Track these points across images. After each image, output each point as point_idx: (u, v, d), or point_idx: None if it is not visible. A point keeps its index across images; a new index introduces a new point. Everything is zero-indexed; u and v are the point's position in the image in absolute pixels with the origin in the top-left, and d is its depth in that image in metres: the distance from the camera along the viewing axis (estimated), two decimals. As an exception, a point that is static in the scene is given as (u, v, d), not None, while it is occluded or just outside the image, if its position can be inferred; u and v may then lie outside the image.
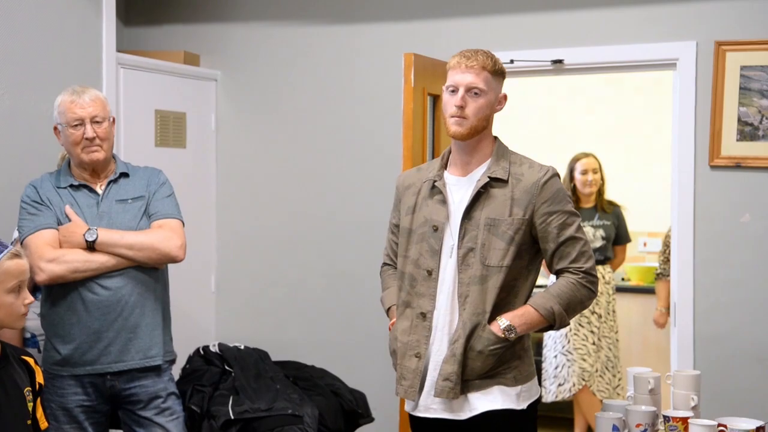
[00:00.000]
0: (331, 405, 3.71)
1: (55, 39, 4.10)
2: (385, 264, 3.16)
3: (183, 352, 3.80)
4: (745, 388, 4.12)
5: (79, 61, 4.22)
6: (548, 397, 5.43)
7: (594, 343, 5.39)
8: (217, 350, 3.82)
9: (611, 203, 5.64)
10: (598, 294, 5.34)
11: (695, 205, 4.25)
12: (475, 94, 2.81)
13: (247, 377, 3.65)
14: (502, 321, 2.80)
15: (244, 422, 3.45)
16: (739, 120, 4.13)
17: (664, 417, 2.98)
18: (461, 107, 2.80)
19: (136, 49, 4.95)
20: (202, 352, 3.84)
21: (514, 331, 2.79)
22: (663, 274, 5.38)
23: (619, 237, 5.62)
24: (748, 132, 4.13)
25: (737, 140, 4.14)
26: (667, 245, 5.37)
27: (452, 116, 2.82)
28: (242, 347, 3.88)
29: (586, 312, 5.34)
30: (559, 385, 5.40)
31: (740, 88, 4.12)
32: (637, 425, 3.01)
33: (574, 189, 5.49)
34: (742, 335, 4.18)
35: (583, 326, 5.35)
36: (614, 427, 3.00)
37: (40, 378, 2.70)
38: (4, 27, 3.85)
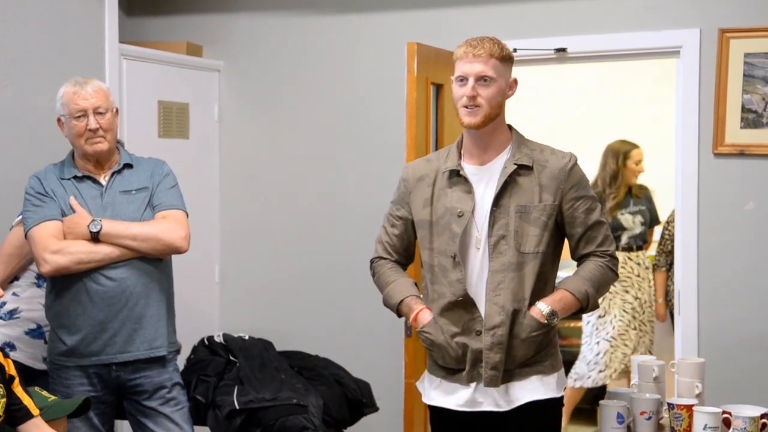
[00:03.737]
0: (336, 394, 3.71)
1: (58, 30, 4.10)
2: (380, 258, 3.09)
3: (187, 342, 3.81)
4: (749, 376, 4.12)
5: (81, 52, 4.21)
6: (586, 383, 5.48)
7: (636, 328, 5.44)
8: (222, 340, 3.81)
9: (641, 187, 5.66)
10: (641, 280, 5.43)
11: (699, 193, 4.24)
12: (485, 82, 2.80)
13: (251, 367, 3.65)
14: (543, 307, 2.80)
15: (248, 412, 3.45)
16: (742, 107, 4.12)
17: (669, 405, 2.99)
18: (473, 97, 2.79)
19: (139, 40, 4.95)
20: (206, 342, 3.84)
21: (556, 316, 2.81)
22: (657, 266, 5.41)
23: (651, 220, 5.64)
24: (751, 119, 4.12)
25: (741, 128, 4.14)
26: (663, 237, 5.40)
27: (464, 107, 2.81)
28: (246, 337, 3.88)
29: (629, 298, 5.44)
30: (600, 371, 5.44)
31: (744, 76, 4.11)
32: (642, 413, 3.02)
33: (617, 176, 5.51)
34: (747, 323, 4.18)
35: (627, 312, 5.44)
36: (619, 415, 3.01)
37: (11, 370, 2.67)
38: (6, 19, 3.85)
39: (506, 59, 2.85)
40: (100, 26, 4.29)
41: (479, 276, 2.83)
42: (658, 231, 5.70)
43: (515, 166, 2.82)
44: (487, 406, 2.83)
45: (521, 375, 2.82)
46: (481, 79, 2.80)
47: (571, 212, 2.85)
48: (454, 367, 2.87)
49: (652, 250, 5.74)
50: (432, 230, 2.90)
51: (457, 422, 2.90)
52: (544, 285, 2.85)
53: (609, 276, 2.90)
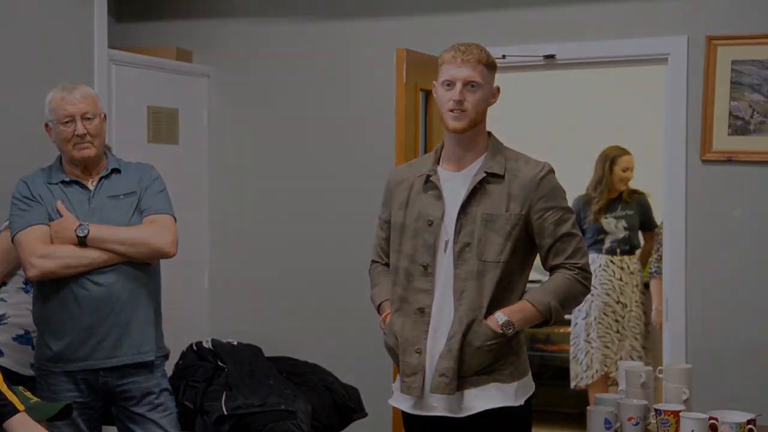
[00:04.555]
0: (324, 400, 3.70)
1: (47, 36, 4.09)
2: (373, 261, 3.12)
3: (176, 348, 3.79)
4: (736, 382, 4.13)
5: (70, 57, 4.21)
6: (581, 383, 5.53)
7: (618, 332, 5.45)
8: (210, 346, 3.80)
9: (634, 191, 5.68)
10: (623, 284, 5.45)
11: (687, 199, 4.26)
12: (472, 87, 2.80)
13: (240, 373, 3.64)
14: (500, 316, 2.79)
15: (237, 418, 3.44)
16: (730, 114, 4.14)
17: (656, 410, 2.99)
18: (460, 101, 2.79)
19: (129, 45, 4.94)
20: (195, 348, 3.83)
21: (512, 327, 2.79)
22: (657, 273, 5.43)
23: (644, 223, 5.65)
24: (739, 126, 4.14)
25: (729, 134, 4.15)
26: (659, 243, 5.41)
27: (450, 110, 2.81)
28: (235, 343, 3.87)
29: (610, 301, 5.46)
30: (584, 371, 5.48)
31: (731, 83, 4.13)
32: (629, 418, 3.02)
33: (602, 180, 5.55)
34: (734, 329, 4.19)
35: (607, 315, 5.45)
36: (606, 421, 3.02)
37: None
38: (-5, 24, 3.85)
39: (492, 66, 2.87)
40: (89, 31, 4.29)
41: (446, 282, 2.83)
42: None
43: (485, 174, 2.83)
44: (441, 411, 2.83)
45: (477, 383, 2.81)
46: (469, 84, 2.80)
47: (540, 222, 2.83)
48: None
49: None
50: (402, 233, 2.91)
51: (420, 425, 2.91)
52: (509, 294, 2.83)
53: (577, 289, 2.86)
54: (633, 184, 5.72)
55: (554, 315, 2.84)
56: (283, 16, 4.96)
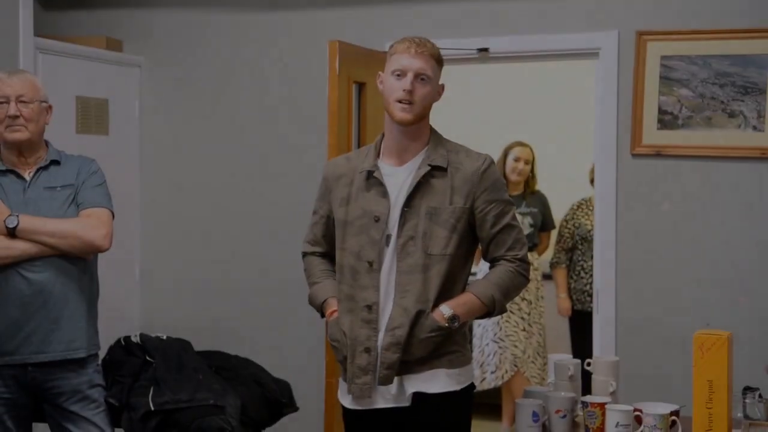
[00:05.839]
0: (255, 395, 3.66)
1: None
2: (307, 254, 3.09)
3: (107, 342, 3.74)
4: (665, 374, 4.18)
5: (-6, 45, 4.12)
6: (482, 386, 5.47)
7: (524, 330, 5.46)
8: (138, 340, 3.74)
9: (534, 192, 5.71)
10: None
11: (617, 192, 4.31)
12: (422, 80, 2.80)
13: (168, 368, 3.58)
14: (446, 310, 2.80)
15: (164, 413, 3.39)
16: (659, 109, 4.19)
17: (583, 403, 3.02)
18: (410, 92, 2.78)
19: (57, 34, 4.85)
20: (122, 342, 3.77)
21: (457, 320, 2.80)
22: (558, 263, 5.49)
23: (544, 224, 5.71)
24: (668, 121, 4.20)
25: (658, 129, 4.21)
26: (562, 235, 5.48)
27: (399, 101, 2.80)
28: (164, 337, 3.82)
29: (516, 299, 5.41)
30: (491, 372, 5.45)
31: (660, 78, 4.18)
32: (557, 411, 3.04)
33: (503, 175, 5.56)
34: (663, 321, 4.26)
35: (514, 313, 5.41)
36: (534, 413, 3.03)
37: None
38: None
39: (441, 63, 2.88)
40: (14, 19, 4.19)
41: (389, 276, 2.83)
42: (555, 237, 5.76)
43: (429, 167, 2.83)
44: (387, 403, 2.83)
45: (420, 370, 2.82)
46: (419, 76, 2.80)
47: (483, 215, 2.85)
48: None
49: (546, 255, 5.80)
50: (345, 230, 2.89)
51: (363, 419, 2.90)
52: (452, 286, 2.85)
53: (519, 280, 2.91)
54: (574, 178, 5.75)
55: (498, 307, 2.88)
56: (214, 6, 4.91)
